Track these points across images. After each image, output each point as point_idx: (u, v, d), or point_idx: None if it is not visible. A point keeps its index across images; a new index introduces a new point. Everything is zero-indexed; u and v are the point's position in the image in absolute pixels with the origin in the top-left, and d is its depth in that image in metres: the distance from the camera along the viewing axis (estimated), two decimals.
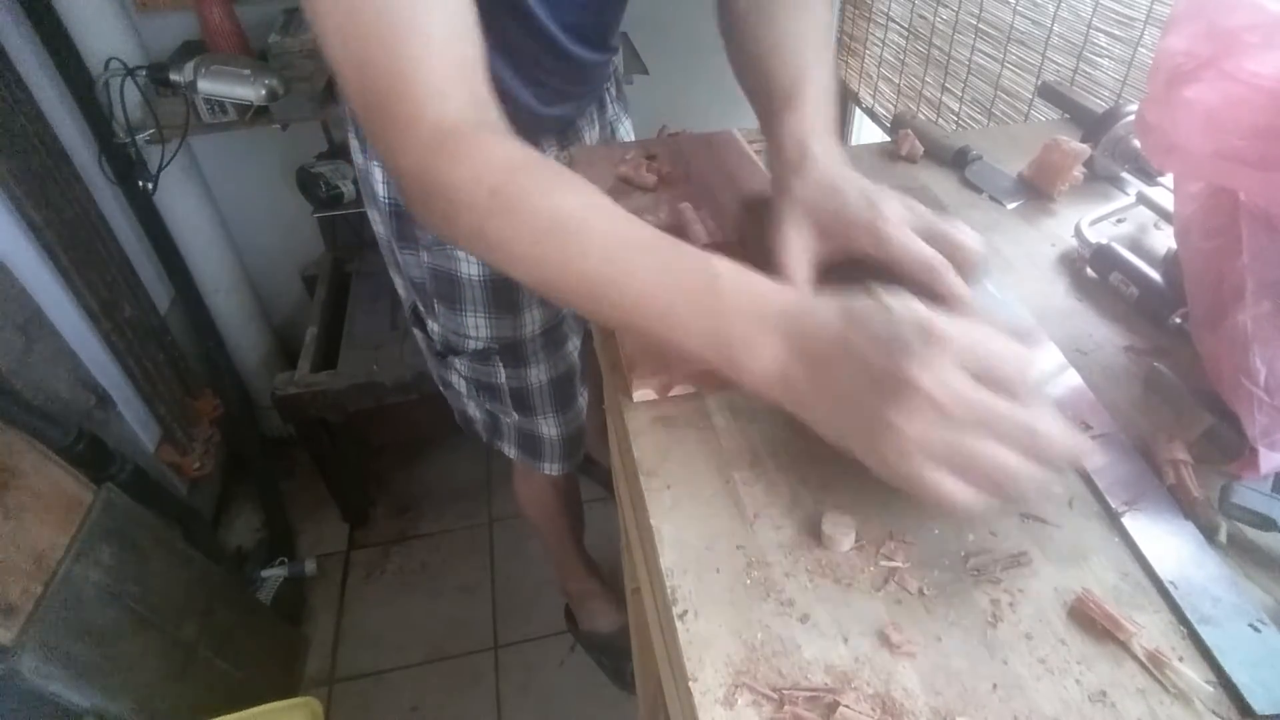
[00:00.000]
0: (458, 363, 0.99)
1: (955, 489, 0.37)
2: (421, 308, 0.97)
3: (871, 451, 0.39)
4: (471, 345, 0.95)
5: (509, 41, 0.71)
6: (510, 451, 1.10)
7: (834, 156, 0.52)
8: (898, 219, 0.46)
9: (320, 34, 0.46)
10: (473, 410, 1.08)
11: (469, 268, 0.87)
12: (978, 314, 0.43)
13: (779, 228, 0.50)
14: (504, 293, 0.89)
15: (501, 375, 0.98)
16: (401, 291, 1.00)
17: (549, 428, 1.05)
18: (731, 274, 0.43)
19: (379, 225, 0.92)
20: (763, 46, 0.61)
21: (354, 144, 0.90)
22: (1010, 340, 0.38)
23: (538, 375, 0.98)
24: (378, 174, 0.86)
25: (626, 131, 1.02)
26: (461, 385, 1.03)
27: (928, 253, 0.45)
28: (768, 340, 0.41)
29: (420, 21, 0.45)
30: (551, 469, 1.10)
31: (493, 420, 1.07)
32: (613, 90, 0.97)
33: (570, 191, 0.46)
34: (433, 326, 0.97)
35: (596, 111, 0.93)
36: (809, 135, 0.53)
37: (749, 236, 0.60)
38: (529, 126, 0.81)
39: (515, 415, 1.03)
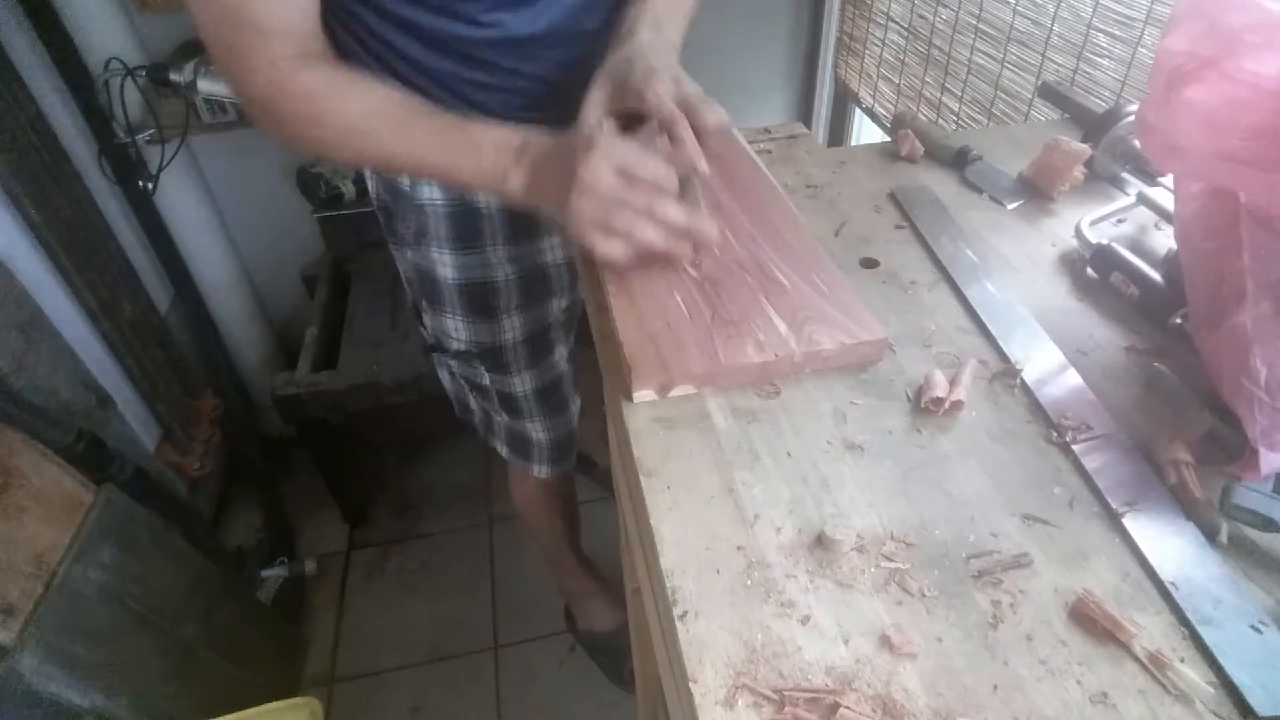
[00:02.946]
0: (448, 360, 1.00)
1: (606, 245, 0.57)
2: (416, 304, 0.98)
3: (568, 226, 0.58)
4: (455, 346, 0.95)
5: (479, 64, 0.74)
6: (501, 449, 1.10)
7: (650, 41, 0.66)
8: (662, 88, 0.60)
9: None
10: (472, 403, 1.08)
11: (444, 270, 0.87)
12: (692, 149, 0.59)
13: (589, 88, 0.64)
14: (479, 298, 0.89)
15: (486, 378, 0.98)
16: (406, 287, 1.00)
17: (538, 431, 1.04)
18: (481, 127, 0.62)
19: (382, 225, 0.92)
20: None
21: None
22: (656, 158, 0.57)
23: (522, 384, 0.98)
24: (368, 170, 0.87)
25: None
26: (460, 380, 1.03)
27: (670, 111, 0.59)
28: (516, 168, 0.61)
29: None
30: (540, 471, 1.10)
31: (485, 416, 1.08)
32: None
33: (355, 97, 0.63)
34: (426, 321, 0.97)
35: None
36: (640, 21, 0.68)
37: None
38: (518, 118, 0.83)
39: (505, 415, 1.03)
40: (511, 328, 0.93)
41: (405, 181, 0.81)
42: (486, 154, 0.61)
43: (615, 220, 0.56)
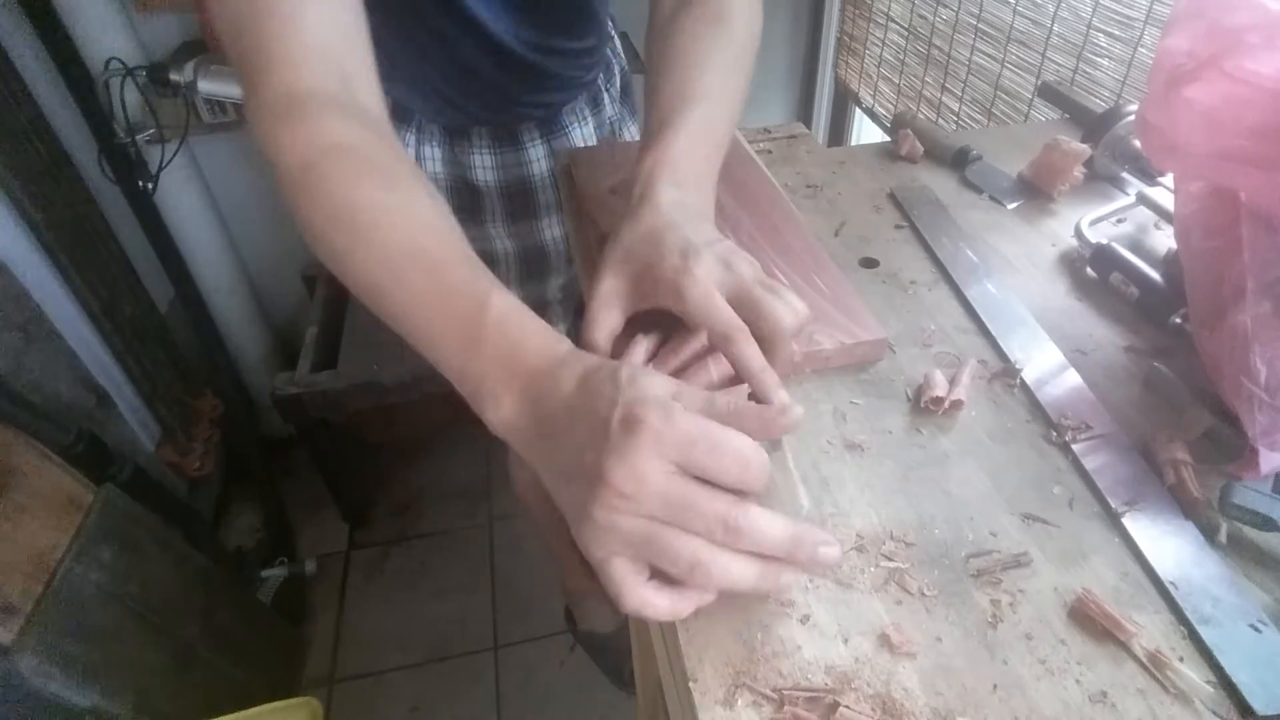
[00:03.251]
0: None
1: (635, 586, 0.35)
2: None
3: (576, 534, 0.36)
4: None
5: (433, 33, 0.70)
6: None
7: (676, 203, 0.48)
8: (705, 279, 0.42)
9: (207, 2, 0.48)
10: None
11: None
12: (769, 387, 0.41)
13: (597, 273, 0.47)
14: None
15: None
16: None
17: None
18: (501, 312, 0.41)
19: None
20: (658, 67, 0.58)
21: None
22: (734, 434, 0.35)
23: None
24: None
25: (632, 135, 1.01)
26: None
27: (724, 318, 0.42)
28: (509, 395, 0.39)
29: None
30: None
31: None
32: (614, 91, 0.96)
33: (377, 187, 0.44)
34: None
35: (589, 108, 0.91)
36: (658, 177, 0.49)
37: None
38: (500, 108, 0.81)
39: None
40: None
41: (408, 151, 0.79)
42: (484, 352, 0.40)
43: (671, 548, 0.34)
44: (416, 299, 0.42)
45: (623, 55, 0.98)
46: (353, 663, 1.52)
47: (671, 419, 0.34)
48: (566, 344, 0.41)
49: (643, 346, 0.44)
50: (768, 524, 0.34)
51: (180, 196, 1.54)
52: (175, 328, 1.61)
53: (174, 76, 1.32)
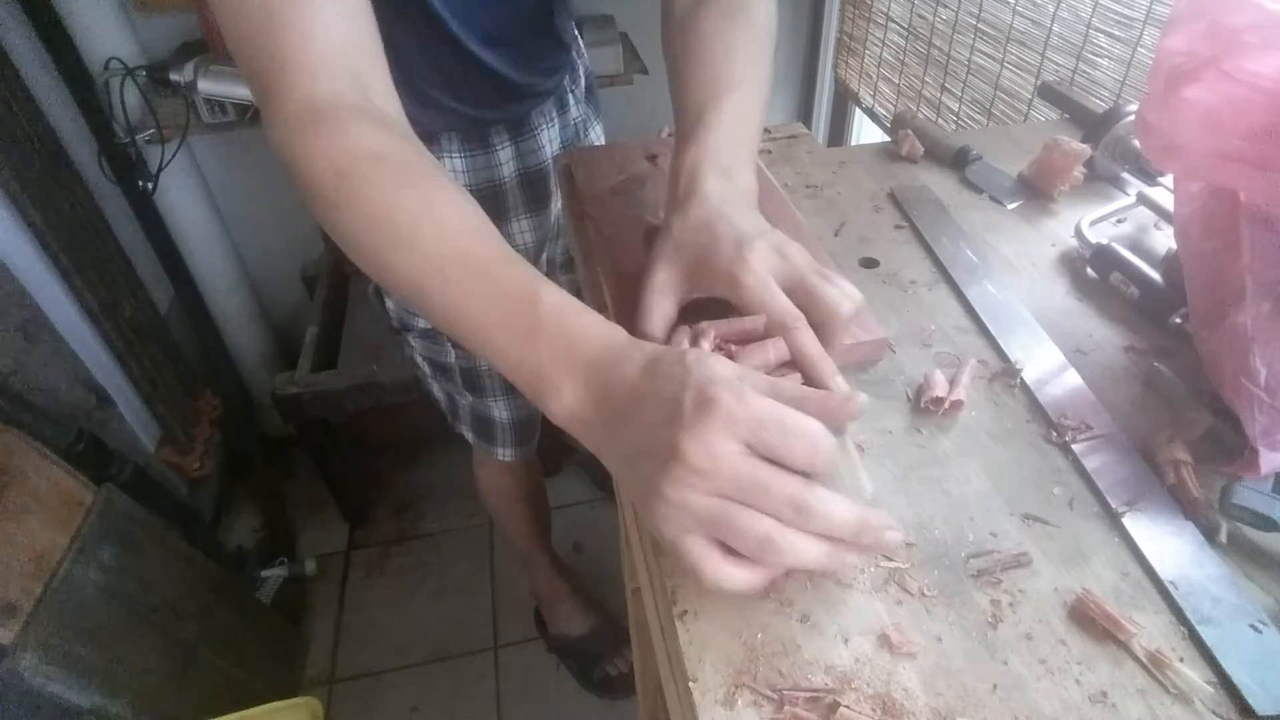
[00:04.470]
0: (413, 340, 0.99)
1: (712, 561, 0.35)
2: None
3: (644, 514, 0.37)
4: (420, 323, 0.95)
5: (412, 47, 0.71)
6: (467, 434, 1.11)
7: (723, 194, 0.49)
8: (761, 268, 0.44)
9: (216, 11, 0.47)
10: (436, 391, 1.08)
11: None
12: (826, 374, 0.42)
13: (650, 265, 0.48)
14: None
15: (451, 354, 0.98)
16: None
17: (500, 410, 1.05)
18: (554, 306, 0.41)
19: None
20: (684, 61, 0.58)
21: None
22: (804, 418, 0.36)
23: None
24: None
25: (597, 135, 1.02)
26: (424, 365, 1.03)
27: (781, 307, 0.43)
28: (571, 383, 0.40)
29: (302, 3, 0.46)
30: (505, 454, 1.10)
31: (450, 402, 1.08)
32: (579, 92, 0.96)
33: (413, 191, 0.45)
34: (388, 302, 0.97)
35: (555, 110, 0.92)
36: (702, 169, 0.50)
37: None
38: (472, 111, 0.81)
39: (469, 396, 1.03)
40: None
41: None
42: (542, 343, 0.41)
43: (743, 526, 0.35)
44: (466, 298, 0.43)
45: (587, 57, 0.99)
46: (353, 663, 1.52)
47: (744, 400, 0.35)
48: (623, 333, 0.42)
49: (710, 335, 0.44)
50: (835, 507, 0.35)
51: (180, 196, 1.54)
52: (175, 328, 1.61)
53: (174, 76, 1.32)
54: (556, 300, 0.42)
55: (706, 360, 0.37)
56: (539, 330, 0.41)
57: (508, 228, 0.90)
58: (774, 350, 0.43)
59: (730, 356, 0.42)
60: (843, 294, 0.44)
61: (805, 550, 0.35)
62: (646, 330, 0.46)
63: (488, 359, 0.44)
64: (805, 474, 0.36)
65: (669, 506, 0.35)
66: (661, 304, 0.47)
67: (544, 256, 0.99)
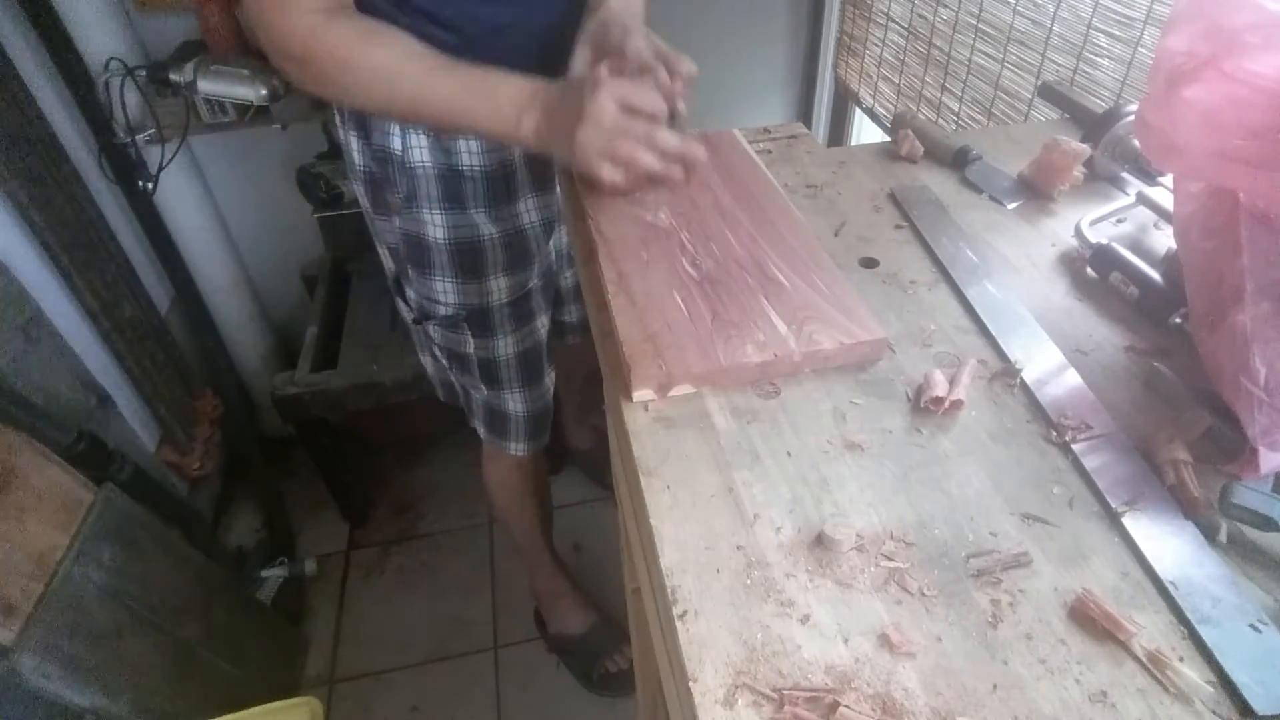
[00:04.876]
0: (432, 329, 1.01)
1: (610, 172, 0.64)
2: (400, 276, 1.00)
3: (575, 160, 0.64)
4: (441, 311, 0.97)
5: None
6: (479, 429, 1.12)
7: (621, 9, 0.77)
8: (639, 42, 0.70)
9: None
10: (451, 380, 1.11)
11: (435, 231, 0.90)
12: (671, 81, 0.69)
13: (575, 50, 0.75)
14: (469, 257, 0.92)
15: (470, 344, 1.00)
16: (385, 263, 1.03)
17: (515, 403, 1.07)
18: (499, 76, 0.68)
19: (361, 198, 0.95)
20: None
21: (335, 117, 0.93)
22: (649, 90, 0.65)
23: (505, 347, 1.01)
24: (354, 143, 0.89)
25: None
26: (442, 356, 1.06)
27: (648, 56, 0.69)
28: (529, 114, 0.67)
29: None
30: (517, 448, 1.12)
31: (465, 395, 1.10)
32: None
33: (385, 45, 0.69)
34: (409, 294, 1.00)
35: None
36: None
37: None
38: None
39: (484, 389, 1.05)
40: (498, 289, 0.96)
41: (396, 146, 0.85)
42: (502, 100, 0.67)
43: (619, 148, 0.62)
44: (437, 87, 0.68)
45: None
46: (353, 663, 1.52)
47: (616, 82, 0.63)
48: (547, 80, 0.68)
49: (604, 64, 0.67)
50: (669, 136, 0.64)
51: (180, 196, 1.53)
52: (175, 328, 1.61)
53: (174, 76, 1.32)
54: (499, 73, 0.68)
55: (598, 70, 0.64)
56: (497, 90, 0.68)
57: (515, 207, 0.93)
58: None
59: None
60: (682, 59, 0.70)
61: (651, 161, 0.63)
62: (576, 72, 0.73)
63: (463, 127, 0.73)
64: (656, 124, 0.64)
65: (582, 146, 0.63)
66: (581, 64, 0.74)
67: (551, 243, 1.00)
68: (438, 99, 0.69)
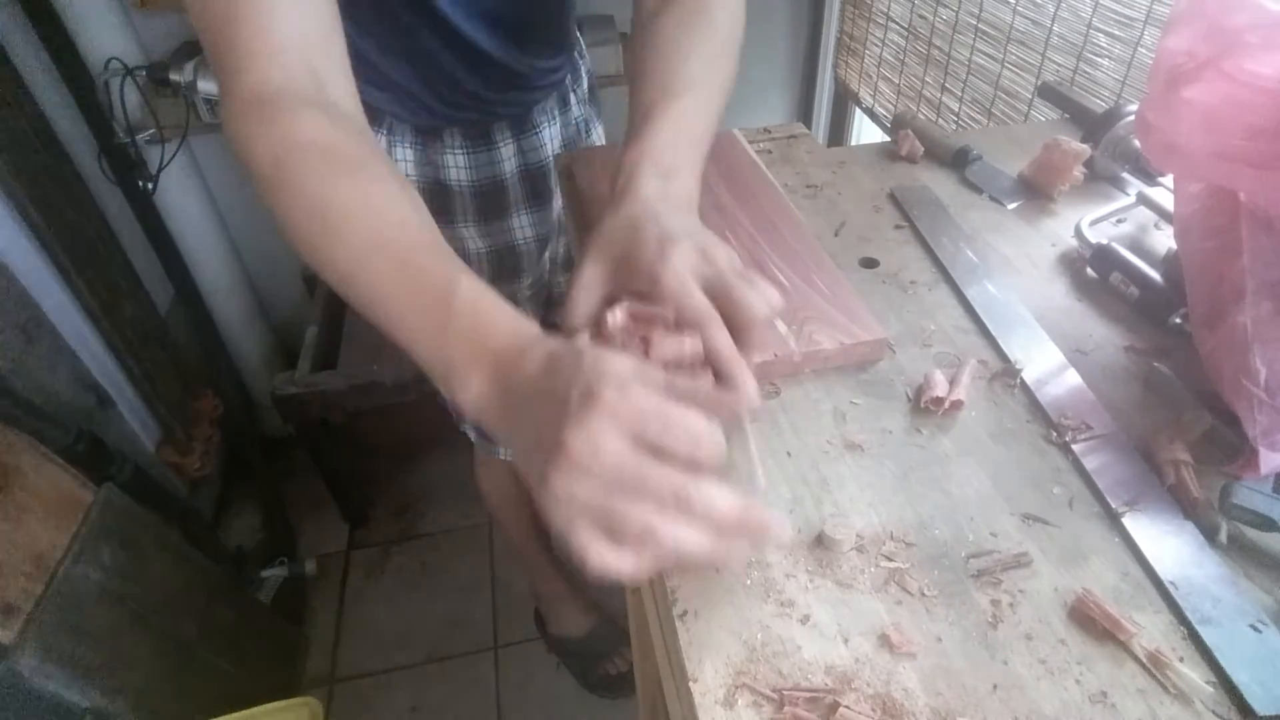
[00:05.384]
0: None
1: (602, 551, 0.35)
2: None
3: (541, 504, 0.37)
4: None
5: (405, 36, 0.72)
6: (469, 433, 1.11)
7: (658, 194, 0.49)
8: (681, 267, 0.44)
9: (184, 2, 0.50)
10: None
11: None
12: (736, 372, 0.42)
13: (579, 261, 0.49)
14: None
15: None
16: None
17: None
18: (469, 297, 0.42)
19: None
20: (641, 61, 0.58)
21: None
22: (690, 412, 0.36)
23: None
24: None
25: (598, 136, 1.03)
26: None
27: (697, 304, 0.43)
28: (478, 376, 0.41)
29: None
30: (506, 453, 1.11)
31: None
32: (581, 92, 0.97)
33: (348, 181, 0.46)
34: None
35: (558, 107, 0.92)
36: (641, 167, 0.50)
37: None
38: (473, 109, 0.82)
39: None
40: None
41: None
42: (451, 336, 0.42)
43: (625, 516, 0.35)
44: (386, 287, 0.44)
45: (589, 59, 1.00)
46: (353, 663, 1.52)
47: (627, 394, 0.36)
48: (534, 328, 0.42)
49: (623, 306, 0.45)
50: (717, 496, 0.35)
51: (180, 196, 1.53)
52: (175, 328, 1.61)
53: (174, 76, 1.32)
54: (472, 291, 0.42)
55: (601, 356, 0.37)
56: (453, 319, 0.42)
57: (509, 223, 0.91)
58: (690, 344, 0.43)
59: (647, 347, 0.43)
60: (760, 296, 0.44)
61: (686, 538, 0.35)
62: (570, 324, 0.47)
63: (405, 347, 0.44)
64: (697, 469, 0.36)
65: (556, 498, 0.36)
66: (585, 299, 0.47)
67: (546, 254, 1.00)
68: (373, 287, 0.45)
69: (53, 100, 1.32)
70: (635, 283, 0.45)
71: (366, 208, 0.45)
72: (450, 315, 0.42)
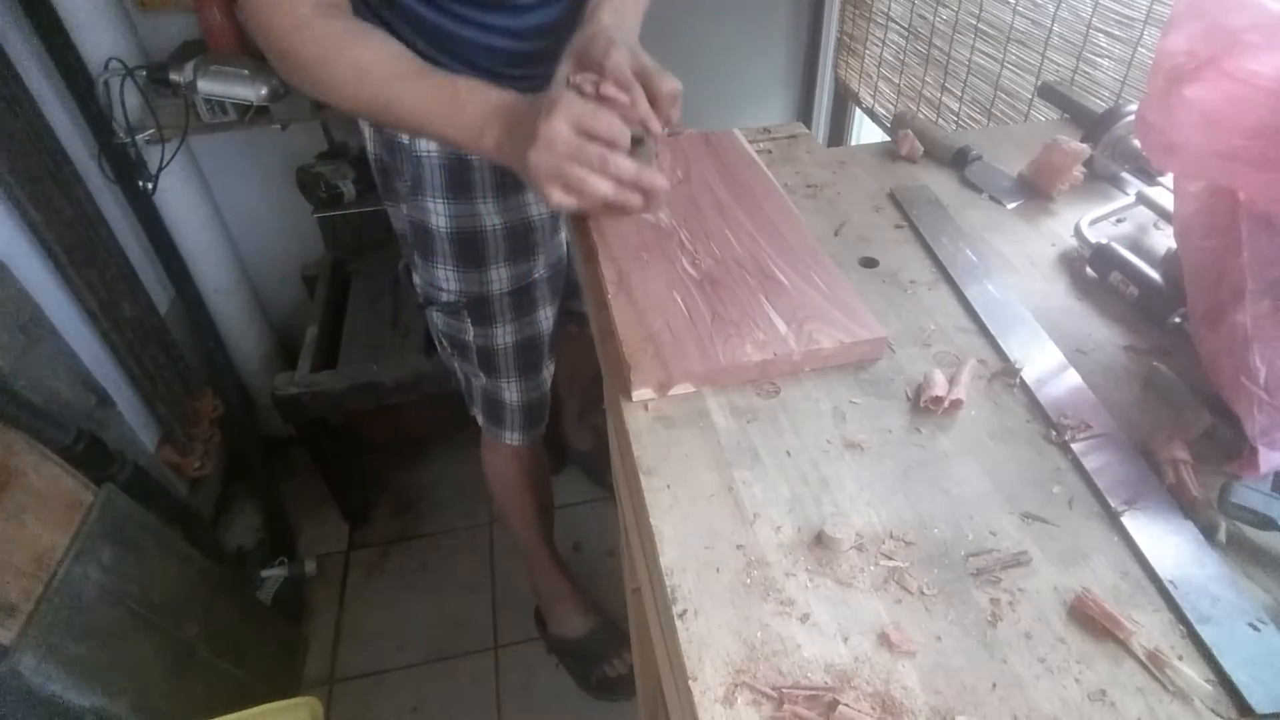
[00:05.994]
0: (435, 315, 1.03)
1: (560, 196, 0.60)
2: (410, 261, 1.02)
3: (528, 180, 0.61)
4: (443, 297, 0.99)
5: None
6: (478, 416, 1.14)
7: (611, 23, 0.73)
8: (619, 58, 0.66)
9: None
10: (455, 368, 1.12)
11: (437, 220, 0.91)
12: (643, 109, 0.64)
13: (559, 64, 0.71)
14: (469, 247, 0.93)
15: (470, 332, 1.02)
16: (401, 248, 1.06)
17: (511, 393, 1.08)
18: (468, 84, 0.66)
19: (378, 186, 0.98)
20: None
21: None
22: (614, 117, 0.59)
23: (503, 336, 1.02)
24: (367, 131, 0.91)
25: None
26: (445, 341, 1.08)
27: (627, 78, 0.65)
28: (491, 126, 0.64)
29: None
30: (512, 438, 1.13)
31: (466, 382, 1.12)
32: None
33: (365, 46, 0.68)
34: (416, 279, 1.02)
35: None
36: (600, 8, 0.75)
37: None
38: (493, 81, 0.86)
39: (482, 377, 1.07)
40: (499, 278, 0.97)
41: (403, 135, 0.86)
42: (467, 110, 0.65)
43: (569, 173, 0.59)
44: (406, 92, 0.67)
45: None
46: (353, 663, 1.52)
47: (575, 104, 0.59)
48: (515, 93, 0.65)
49: (584, 75, 0.66)
50: (625, 162, 0.59)
51: (180, 196, 1.53)
52: (175, 328, 1.61)
53: (174, 76, 1.32)
54: (469, 82, 0.66)
55: (566, 92, 0.60)
56: (463, 100, 0.65)
57: (524, 197, 0.94)
58: (614, 90, 0.65)
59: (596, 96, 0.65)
60: (666, 78, 0.66)
61: (604, 187, 0.59)
62: (552, 94, 0.65)
63: (431, 134, 0.70)
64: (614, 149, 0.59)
65: (532, 168, 0.59)
66: (561, 75, 0.69)
67: (562, 234, 1.01)
68: (407, 103, 0.67)
69: (52, 100, 1.32)
70: (592, 68, 0.68)
71: (382, 59, 0.68)
72: (461, 97, 0.65)
